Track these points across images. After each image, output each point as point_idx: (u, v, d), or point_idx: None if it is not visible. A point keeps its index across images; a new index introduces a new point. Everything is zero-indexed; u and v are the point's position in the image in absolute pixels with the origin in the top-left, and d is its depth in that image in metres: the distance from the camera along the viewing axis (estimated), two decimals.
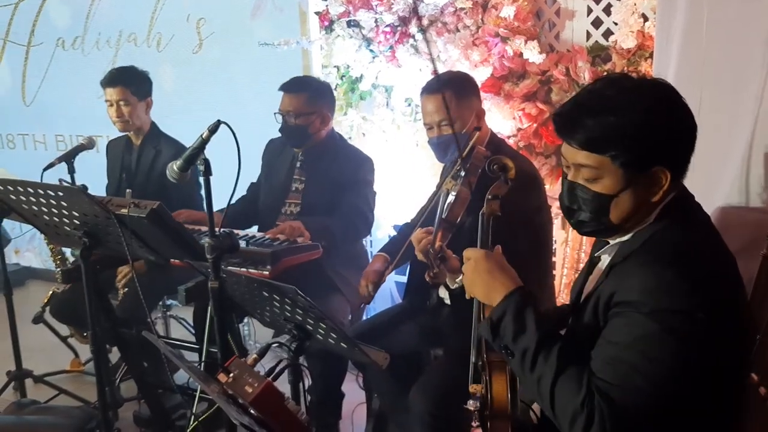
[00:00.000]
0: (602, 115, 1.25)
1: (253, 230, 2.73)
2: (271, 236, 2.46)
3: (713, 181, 1.98)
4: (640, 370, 1.18)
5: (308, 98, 2.67)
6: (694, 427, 1.25)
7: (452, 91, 2.18)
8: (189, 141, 1.80)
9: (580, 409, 1.19)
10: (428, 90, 2.27)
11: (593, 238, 1.52)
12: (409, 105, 3.11)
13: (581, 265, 2.53)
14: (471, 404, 1.49)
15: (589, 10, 2.81)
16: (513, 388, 1.48)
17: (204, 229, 2.48)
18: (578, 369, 1.23)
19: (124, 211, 1.92)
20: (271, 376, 1.58)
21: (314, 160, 2.76)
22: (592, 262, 1.48)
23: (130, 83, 3.04)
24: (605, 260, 1.41)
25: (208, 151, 1.79)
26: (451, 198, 1.95)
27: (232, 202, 1.88)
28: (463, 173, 1.96)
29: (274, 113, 2.70)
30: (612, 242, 1.39)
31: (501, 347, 1.34)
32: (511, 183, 1.57)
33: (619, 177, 1.26)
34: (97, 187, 3.20)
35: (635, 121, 1.23)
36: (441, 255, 1.87)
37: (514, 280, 1.39)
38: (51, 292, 3.25)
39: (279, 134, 2.76)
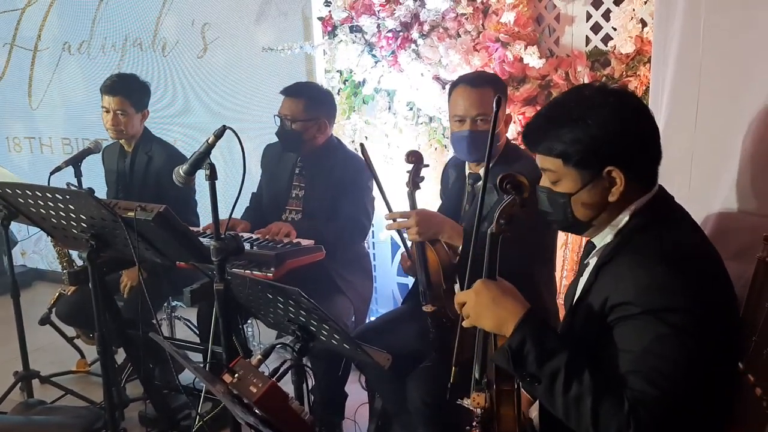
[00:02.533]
0: (559, 122, 1.35)
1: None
2: (261, 236, 2.49)
3: (711, 186, 1.99)
4: (661, 372, 1.20)
5: (307, 105, 2.66)
6: (698, 426, 1.28)
7: (494, 90, 2.13)
8: (192, 146, 1.83)
9: (626, 423, 1.19)
10: (471, 82, 2.18)
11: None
12: (411, 109, 3.14)
13: None
14: (469, 404, 1.50)
15: (589, 16, 2.83)
16: (518, 413, 1.45)
17: (209, 231, 2.51)
18: (612, 384, 1.23)
19: (130, 214, 1.95)
20: (276, 376, 1.60)
21: (313, 166, 2.77)
22: (582, 268, 1.51)
23: (131, 94, 2.97)
24: (593, 262, 1.44)
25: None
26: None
27: (237, 211, 1.89)
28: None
29: (274, 115, 2.71)
30: (598, 245, 1.44)
31: (524, 375, 1.29)
32: (526, 205, 1.43)
33: (576, 178, 1.36)
34: (104, 190, 3.23)
35: (584, 126, 1.33)
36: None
37: (521, 303, 1.35)
38: (58, 294, 3.27)
39: (277, 138, 2.76)
